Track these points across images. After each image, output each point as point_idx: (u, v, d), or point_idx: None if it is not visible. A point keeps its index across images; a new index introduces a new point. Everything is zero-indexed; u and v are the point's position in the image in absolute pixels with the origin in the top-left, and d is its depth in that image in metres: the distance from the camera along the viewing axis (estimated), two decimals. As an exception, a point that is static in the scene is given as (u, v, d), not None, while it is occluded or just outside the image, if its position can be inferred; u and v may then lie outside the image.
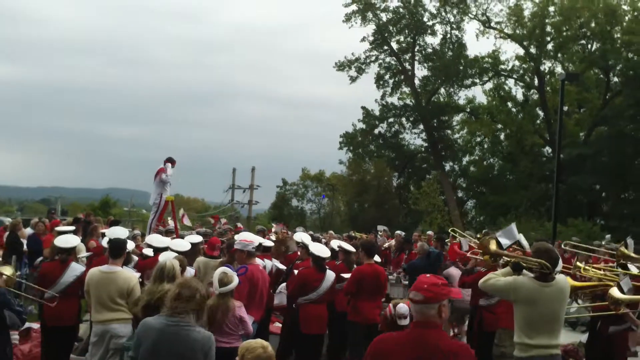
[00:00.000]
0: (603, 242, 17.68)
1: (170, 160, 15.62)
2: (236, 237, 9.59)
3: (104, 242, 9.05)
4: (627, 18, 42.02)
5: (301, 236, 10.99)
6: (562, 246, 11.29)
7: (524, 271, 6.00)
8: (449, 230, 12.56)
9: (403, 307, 7.21)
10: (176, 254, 8.25)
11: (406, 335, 4.15)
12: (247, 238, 8.62)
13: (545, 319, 5.80)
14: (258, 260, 8.77)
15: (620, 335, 7.75)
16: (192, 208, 55.38)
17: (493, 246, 6.63)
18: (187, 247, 9.34)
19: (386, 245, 16.89)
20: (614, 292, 6.32)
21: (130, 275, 7.69)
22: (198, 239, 10.34)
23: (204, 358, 4.83)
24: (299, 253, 10.91)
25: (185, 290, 4.91)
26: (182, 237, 10.95)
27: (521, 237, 10.71)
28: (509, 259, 6.45)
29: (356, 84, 49.77)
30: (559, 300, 5.91)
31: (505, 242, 6.90)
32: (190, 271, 8.36)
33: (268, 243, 10.41)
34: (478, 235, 13.09)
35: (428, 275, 4.41)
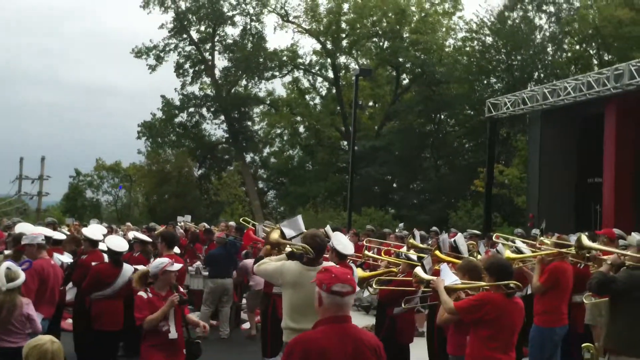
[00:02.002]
0: (397, 230, 18.76)
1: None
2: (18, 228, 8.99)
3: None
4: (415, 18, 44.78)
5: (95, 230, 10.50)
6: (366, 243, 11.84)
7: None
8: (241, 220, 12.67)
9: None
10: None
11: (331, 332, 3.85)
12: (33, 231, 8.11)
13: (309, 302, 5.96)
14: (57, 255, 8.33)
15: (405, 315, 8.23)
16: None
17: (275, 235, 6.55)
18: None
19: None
20: (419, 271, 6.66)
21: None
22: (-22, 233, 9.55)
23: None
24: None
25: None
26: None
27: (327, 228, 11.03)
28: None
29: (155, 72, 48.71)
30: None
31: (289, 232, 6.89)
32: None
33: (59, 236, 9.84)
34: (277, 225, 13.32)
35: (337, 265, 4.29)
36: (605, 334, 6.58)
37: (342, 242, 7.18)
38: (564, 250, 7.83)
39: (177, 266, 7.04)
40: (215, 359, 11.08)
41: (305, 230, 7.43)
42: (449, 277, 6.33)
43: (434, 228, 18.28)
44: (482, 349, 5.71)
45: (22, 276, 6.52)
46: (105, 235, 10.18)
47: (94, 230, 10.11)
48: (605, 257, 7.22)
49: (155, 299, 6.77)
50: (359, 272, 7.97)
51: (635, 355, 6.22)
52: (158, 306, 6.68)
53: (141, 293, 6.80)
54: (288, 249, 6.35)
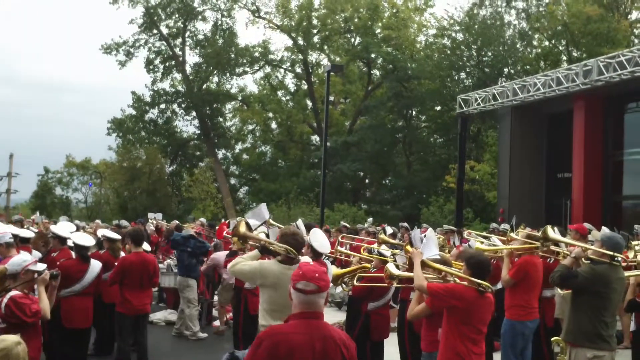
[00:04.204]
0: (366, 225, 18.80)
1: None
2: None
3: None
4: (386, 14, 44.88)
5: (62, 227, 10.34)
6: (340, 239, 11.79)
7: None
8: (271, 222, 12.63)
9: None
10: None
11: (300, 327, 3.87)
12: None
13: (288, 301, 5.94)
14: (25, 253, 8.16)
15: (379, 311, 8.23)
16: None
17: (242, 228, 6.46)
18: None
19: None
20: (391, 267, 6.63)
21: None
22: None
23: None
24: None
25: None
26: None
27: (299, 222, 11.00)
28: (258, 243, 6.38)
29: (124, 67, 48.27)
30: None
31: (254, 222, 6.81)
32: None
33: (26, 234, 9.69)
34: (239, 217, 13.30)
35: (310, 262, 4.27)
36: (566, 327, 6.65)
37: (319, 239, 7.16)
38: (533, 244, 7.87)
39: (40, 266, 6.51)
40: (184, 356, 11.03)
41: (268, 217, 7.30)
42: (429, 250, 6.26)
43: (404, 224, 18.37)
44: (454, 342, 5.73)
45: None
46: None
47: (62, 227, 9.97)
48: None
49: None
50: (333, 270, 7.94)
51: (595, 347, 6.31)
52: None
53: (13, 292, 6.20)
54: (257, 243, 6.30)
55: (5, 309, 6.06)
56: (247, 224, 6.66)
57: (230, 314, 12.52)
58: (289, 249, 5.86)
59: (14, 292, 6.16)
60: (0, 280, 6.30)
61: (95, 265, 8.67)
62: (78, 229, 13.18)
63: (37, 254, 9.56)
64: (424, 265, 6.07)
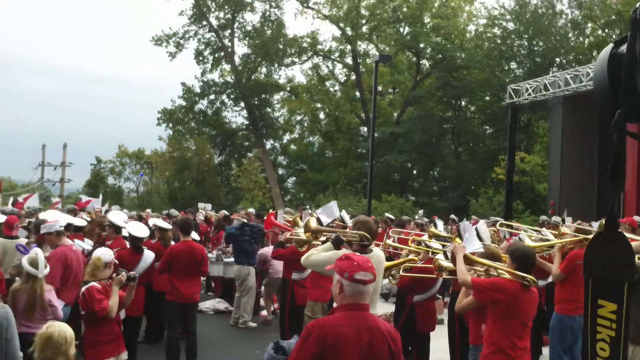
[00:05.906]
0: (416, 217, 18.69)
1: None
2: (41, 216, 9.05)
3: None
4: (436, 4, 44.40)
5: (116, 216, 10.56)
6: (391, 234, 11.69)
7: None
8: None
9: None
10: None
11: (348, 319, 3.87)
12: (49, 218, 8.16)
13: None
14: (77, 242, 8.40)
15: (425, 304, 8.20)
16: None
17: (313, 223, 6.66)
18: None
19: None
20: (440, 259, 6.63)
21: None
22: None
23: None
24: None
25: None
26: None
27: (343, 214, 11.07)
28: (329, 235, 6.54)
29: (175, 59, 48.81)
30: (376, 271, 6.09)
31: (325, 219, 7.00)
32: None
33: (79, 222, 9.91)
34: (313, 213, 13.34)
35: (357, 253, 4.33)
36: None
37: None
38: (586, 235, 7.73)
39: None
40: (232, 344, 11.17)
41: (338, 216, 7.44)
42: (471, 244, 6.22)
43: (452, 216, 18.23)
44: (498, 336, 5.69)
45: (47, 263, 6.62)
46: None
47: (117, 216, 10.17)
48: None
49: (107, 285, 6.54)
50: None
51: None
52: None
53: (93, 283, 6.45)
54: (323, 237, 6.44)
55: (81, 297, 6.31)
56: (318, 219, 6.84)
57: (277, 305, 12.66)
58: (364, 235, 5.94)
59: (95, 283, 6.39)
60: (97, 268, 6.50)
61: (148, 256, 8.82)
62: (141, 218, 13.43)
63: (89, 242, 9.81)
64: (467, 259, 6.04)
